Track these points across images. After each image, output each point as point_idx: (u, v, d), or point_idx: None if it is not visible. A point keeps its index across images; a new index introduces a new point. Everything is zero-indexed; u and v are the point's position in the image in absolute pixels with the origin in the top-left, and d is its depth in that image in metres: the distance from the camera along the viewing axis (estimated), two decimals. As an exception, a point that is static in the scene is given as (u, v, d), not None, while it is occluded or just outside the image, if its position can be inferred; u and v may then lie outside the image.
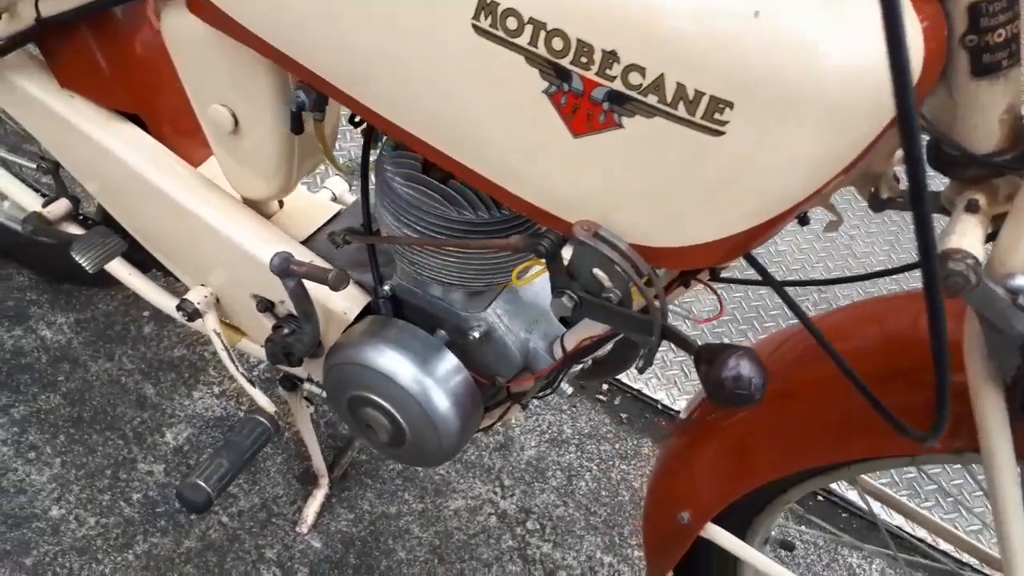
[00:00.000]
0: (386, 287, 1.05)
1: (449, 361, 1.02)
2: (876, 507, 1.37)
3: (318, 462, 1.44)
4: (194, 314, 1.18)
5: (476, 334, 1.02)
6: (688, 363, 1.80)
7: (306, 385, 1.28)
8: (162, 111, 1.15)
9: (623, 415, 1.71)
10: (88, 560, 1.34)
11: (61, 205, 1.25)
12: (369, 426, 1.07)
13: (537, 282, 1.10)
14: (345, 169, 1.10)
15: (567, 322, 1.12)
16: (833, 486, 1.62)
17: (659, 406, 1.73)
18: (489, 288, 1.02)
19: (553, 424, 1.66)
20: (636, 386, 1.74)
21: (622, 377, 1.75)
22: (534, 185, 0.69)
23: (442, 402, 1.01)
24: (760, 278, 0.79)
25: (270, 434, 1.18)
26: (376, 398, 1.03)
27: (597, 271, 0.68)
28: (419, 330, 1.03)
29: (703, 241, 0.67)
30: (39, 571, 1.31)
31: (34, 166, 1.21)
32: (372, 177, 1.04)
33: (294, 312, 1.13)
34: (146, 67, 1.11)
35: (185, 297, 1.18)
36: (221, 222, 1.10)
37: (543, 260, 0.81)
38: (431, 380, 1.00)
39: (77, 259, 1.12)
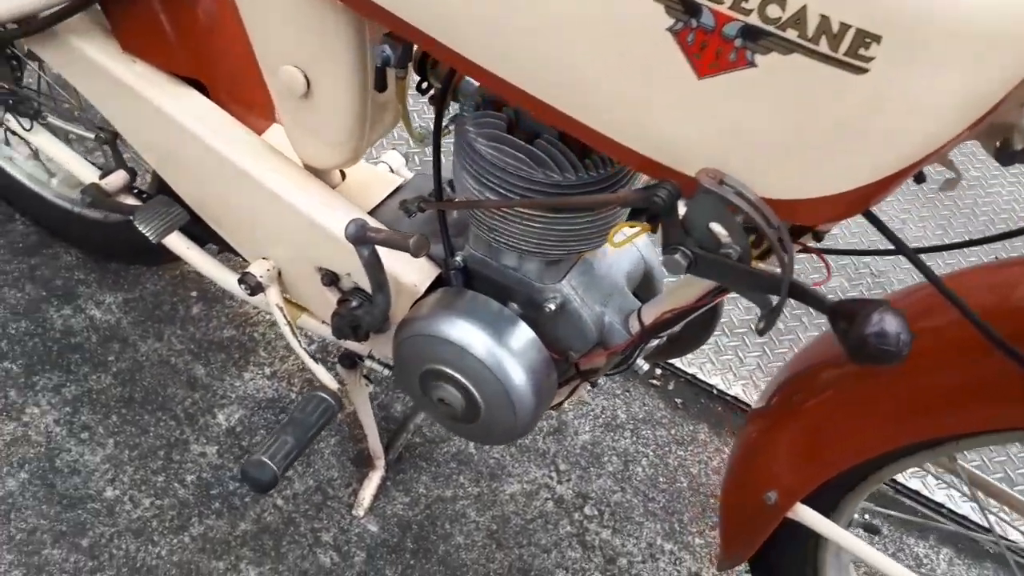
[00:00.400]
0: (458, 258, 1.02)
1: (525, 333, 0.99)
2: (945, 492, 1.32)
3: (374, 444, 1.41)
4: (256, 288, 1.15)
5: (551, 306, 0.98)
6: (743, 348, 1.76)
7: (367, 362, 1.25)
8: (225, 77, 1.12)
9: (678, 400, 1.67)
10: (144, 542, 1.32)
11: (119, 177, 1.22)
12: (442, 401, 1.03)
13: (611, 255, 1.07)
14: (418, 136, 1.06)
15: (642, 297, 1.09)
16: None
17: (714, 391, 1.69)
18: (567, 258, 0.99)
19: (607, 409, 1.63)
20: (690, 371, 1.70)
21: (676, 361, 1.71)
22: (650, 135, 0.65)
23: (518, 375, 0.97)
24: (888, 247, 0.74)
25: (334, 411, 1.15)
26: (450, 371, 0.99)
27: (714, 226, 0.64)
28: (493, 302, 1.00)
29: (829, 193, 0.63)
30: (96, 552, 1.29)
31: (92, 136, 1.19)
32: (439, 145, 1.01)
33: (360, 285, 1.10)
34: (210, 30, 1.09)
35: (247, 270, 1.15)
36: (288, 191, 1.07)
37: (644, 220, 0.78)
38: (508, 352, 0.97)
39: (140, 228, 1.10)
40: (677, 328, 0.99)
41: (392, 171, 1.31)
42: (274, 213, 1.09)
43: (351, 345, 1.25)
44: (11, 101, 1.21)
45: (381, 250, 0.97)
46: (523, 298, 1.00)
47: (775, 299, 0.65)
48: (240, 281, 1.15)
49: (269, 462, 1.07)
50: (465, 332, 0.97)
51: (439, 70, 1.02)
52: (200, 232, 1.27)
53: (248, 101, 1.14)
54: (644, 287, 1.11)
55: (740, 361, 1.74)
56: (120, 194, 1.24)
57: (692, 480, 1.55)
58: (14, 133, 1.35)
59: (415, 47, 0.83)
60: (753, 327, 0.65)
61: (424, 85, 1.09)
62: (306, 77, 0.96)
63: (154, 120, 1.10)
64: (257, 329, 1.63)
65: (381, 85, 0.86)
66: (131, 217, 1.15)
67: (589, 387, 1.15)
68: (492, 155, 0.85)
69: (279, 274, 1.18)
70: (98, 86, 1.13)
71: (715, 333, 1.79)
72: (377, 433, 1.39)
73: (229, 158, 1.07)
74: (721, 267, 0.65)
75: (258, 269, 1.15)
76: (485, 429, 1.04)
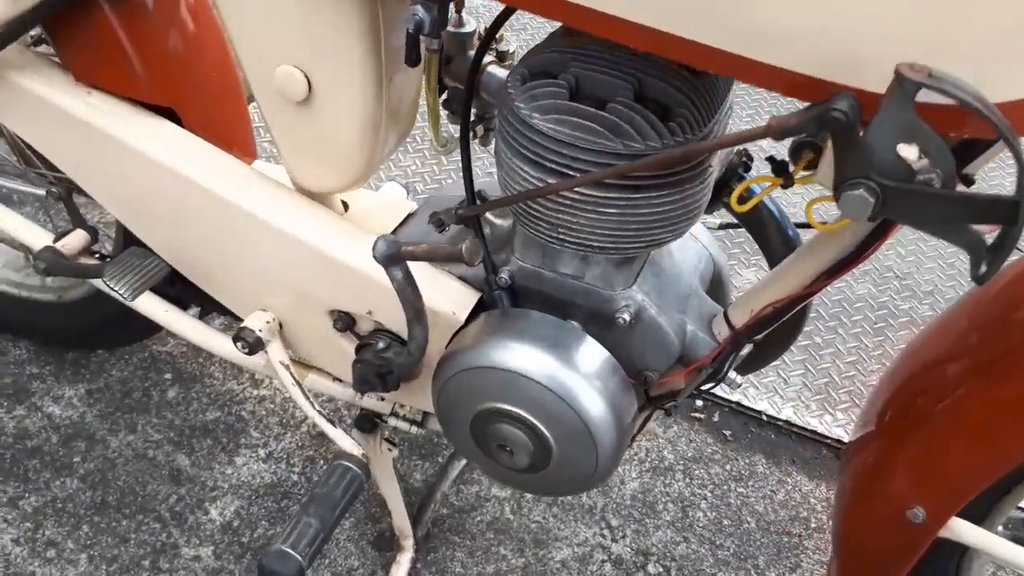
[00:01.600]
0: (503, 274, 0.85)
1: (599, 353, 0.82)
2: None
3: (401, 520, 1.20)
4: (255, 345, 0.96)
5: (625, 317, 0.82)
6: (784, 367, 1.60)
7: (391, 422, 1.06)
8: (200, 102, 0.95)
9: (726, 432, 1.50)
10: (137, 673, 1.08)
11: (77, 237, 1.03)
12: (502, 448, 0.85)
13: (673, 250, 0.91)
14: (440, 142, 0.90)
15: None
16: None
17: (763, 417, 1.52)
18: (639, 255, 0.83)
19: (651, 451, 1.45)
20: (733, 398, 1.54)
21: (718, 390, 1.54)
22: (811, 39, 0.50)
23: (596, 404, 0.80)
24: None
25: (362, 482, 0.96)
26: (512, 408, 0.82)
27: (903, 148, 0.49)
28: (554, 318, 0.83)
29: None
30: None
31: (42, 192, 1.00)
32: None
33: (384, 325, 0.92)
34: (181, 49, 0.93)
35: (244, 325, 0.96)
36: (290, 221, 0.90)
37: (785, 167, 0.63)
38: (581, 377, 0.80)
39: (112, 286, 0.91)
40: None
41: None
42: (274, 250, 0.91)
43: (370, 404, 1.06)
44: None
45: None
46: (587, 312, 0.83)
47: (988, 238, 0.50)
48: (235, 339, 0.96)
49: (292, 552, 0.87)
50: (526, 358, 0.80)
51: (456, 65, 0.87)
52: (178, 294, 1.08)
53: (227, 129, 0.98)
54: (713, 290, 0.96)
55: (784, 382, 1.58)
56: (80, 257, 1.04)
57: (759, 519, 1.37)
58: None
59: (451, 7, 0.68)
60: (968, 277, 0.49)
61: (444, 96, 0.94)
62: (307, 78, 0.80)
63: (119, 158, 0.92)
64: (244, 407, 1.42)
65: (414, 57, 0.70)
66: (99, 277, 0.95)
67: (665, 415, 0.97)
68: (554, 130, 0.69)
69: (280, 327, 0.99)
70: (48, 128, 0.95)
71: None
72: (404, 507, 1.19)
73: (215, 191, 0.90)
74: (924, 200, 0.49)
75: (256, 323, 0.97)
76: (558, 476, 0.86)
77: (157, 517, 1.26)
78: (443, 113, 0.90)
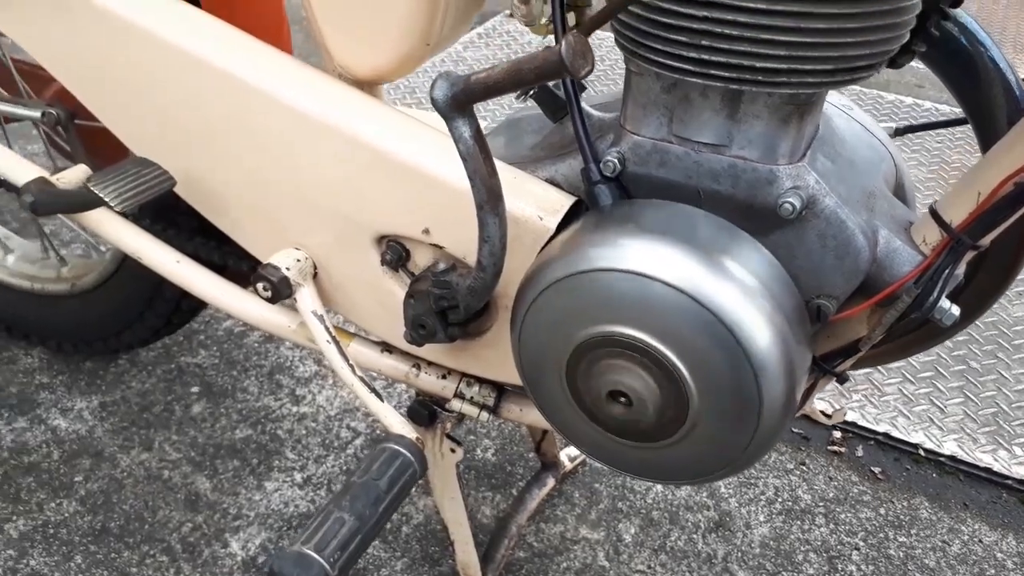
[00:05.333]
0: (609, 158, 0.61)
1: (763, 257, 0.57)
2: None
3: (466, 554, 0.93)
4: (281, 288, 0.73)
5: (793, 203, 0.56)
6: (938, 395, 1.29)
7: (457, 405, 0.81)
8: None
9: (874, 469, 1.19)
10: None
11: (78, 172, 0.83)
12: (617, 398, 0.59)
13: (847, 137, 0.66)
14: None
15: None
16: None
17: (920, 452, 1.21)
18: (813, 111, 0.58)
19: (781, 489, 1.14)
20: (879, 428, 1.23)
21: (859, 419, 1.24)
22: None
23: (762, 331, 0.54)
24: None
25: (415, 471, 0.70)
26: (633, 332, 0.56)
27: None
28: (690, 207, 0.58)
29: None
30: None
31: (39, 114, 0.82)
32: None
33: (444, 245, 0.69)
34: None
35: (268, 262, 0.74)
36: (334, 112, 0.68)
37: None
38: (737, 287, 0.54)
39: (99, 193, 0.70)
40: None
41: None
42: (311, 150, 0.70)
43: (428, 383, 0.81)
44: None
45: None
46: (735, 201, 0.58)
47: None
48: (255, 280, 0.74)
49: (316, 556, 0.61)
50: (654, 254, 0.55)
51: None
52: (195, 249, 0.87)
53: (254, 13, 0.78)
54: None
55: (941, 411, 1.27)
56: (78, 196, 0.84)
57: (932, 576, 1.04)
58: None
59: None
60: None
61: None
62: None
63: (124, 45, 0.73)
64: (281, 425, 1.18)
65: None
66: (96, 206, 0.75)
67: (839, 383, 0.70)
68: None
69: (314, 271, 0.77)
70: (44, 20, 0.78)
71: (894, 379, 1.34)
72: (470, 533, 0.92)
73: (240, 78, 0.70)
74: None
75: (284, 259, 0.74)
76: (694, 446, 0.59)
77: (166, 549, 1.01)
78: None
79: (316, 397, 1.23)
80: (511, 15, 0.72)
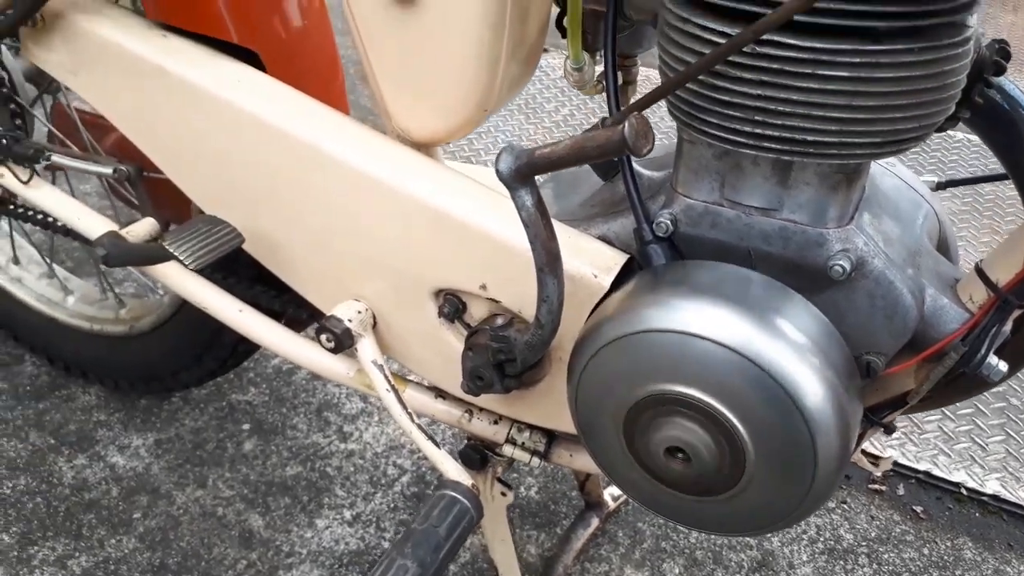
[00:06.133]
0: (661, 219, 0.64)
1: (815, 317, 0.59)
2: None
3: (516, 594, 0.95)
4: (343, 339, 0.77)
5: (843, 265, 0.58)
6: (979, 433, 1.29)
7: (506, 451, 0.83)
8: (287, 44, 0.81)
9: (916, 508, 1.19)
10: None
11: (145, 226, 0.88)
12: (674, 453, 0.61)
13: (890, 194, 0.68)
14: (578, 60, 0.72)
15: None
16: None
17: (963, 491, 1.21)
18: (860, 177, 0.60)
19: (823, 529, 1.15)
20: (920, 467, 1.24)
21: (900, 457, 1.25)
22: None
23: (815, 388, 0.56)
24: None
25: (472, 519, 0.73)
26: (692, 392, 0.58)
27: None
28: (743, 269, 0.61)
29: None
30: None
31: (111, 170, 0.86)
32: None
33: (500, 300, 0.71)
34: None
35: (331, 314, 0.77)
36: (394, 173, 0.72)
37: None
38: (791, 347, 0.56)
39: (173, 251, 0.74)
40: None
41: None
42: (372, 209, 0.73)
43: (480, 428, 0.84)
44: (4, 142, 0.90)
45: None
46: (784, 262, 0.61)
47: None
48: (319, 332, 0.77)
49: (381, 602, 0.64)
50: (711, 316, 0.57)
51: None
52: (255, 297, 0.91)
53: (317, 78, 0.82)
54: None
55: (982, 449, 1.27)
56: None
57: (978, 618, 1.04)
58: (13, 204, 1.04)
59: None
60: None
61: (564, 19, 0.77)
62: (414, -32, 0.64)
63: (195, 107, 0.77)
64: (330, 462, 1.21)
65: None
66: (167, 260, 0.79)
67: (885, 434, 0.71)
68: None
69: (374, 321, 0.80)
70: (114, 82, 0.82)
71: (934, 415, 1.34)
72: (520, 574, 0.94)
73: (306, 141, 0.74)
74: None
75: (346, 311, 0.78)
76: (752, 499, 0.61)
77: (221, 585, 1.04)
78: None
79: (363, 434, 1.26)
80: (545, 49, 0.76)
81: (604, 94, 0.68)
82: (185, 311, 1.08)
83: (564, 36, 0.77)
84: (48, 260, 1.29)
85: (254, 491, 1.17)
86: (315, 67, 0.83)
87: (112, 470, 1.19)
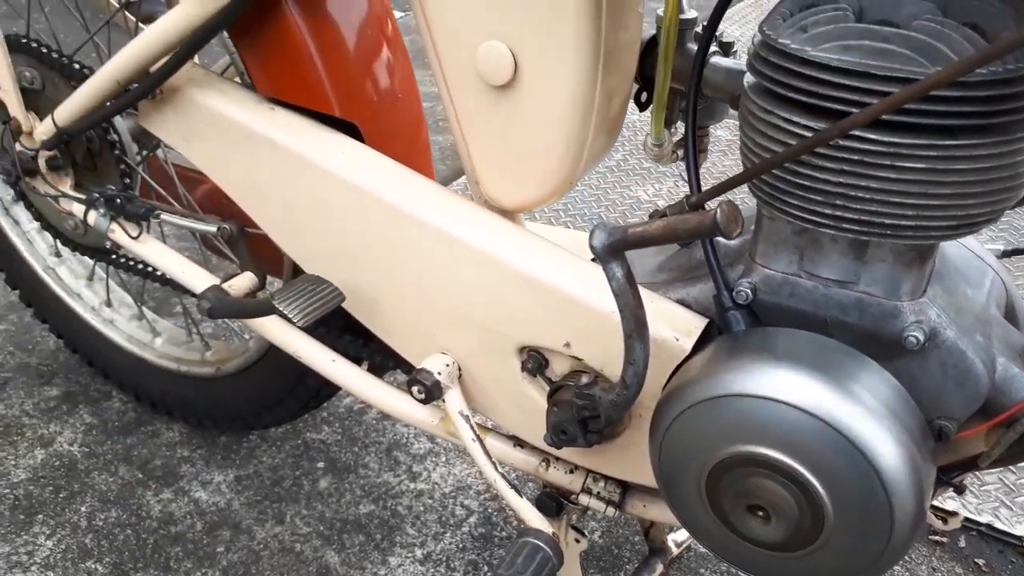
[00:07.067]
0: (741, 288, 0.68)
1: (889, 383, 0.62)
2: None
3: (586, 637, 0.98)
4: (433, 391, 0.82)
5: (917, 336, 0.62)
6: (1041, 486, 1.30)
7: (582, 500, 0.87)
8: (384, 117, 0.87)
9: (978, 561, 1.20)
10: None
11: (245, 280, 0.95)
12: (756, 513, 0.65)
13: (959, 264, 0.72)
14: (659, 137, 0.77)
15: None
16: None
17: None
18: (934, 250, 0.64)
19: (884, 578, 1.16)
20: (982, 519, 1.25)
21: (960, 509, 1.26)
22: None
23: (891, 450, 0.60)
24: None
25: (554, 566, 0.77)
26: (772, 454, 0.62)
27: None
28: (820, 336, 0.65)
29: None
30: None
31: (215, 229, 0.93)
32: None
33: (583, 358, 0.76)
34: (366, 58, 0.86)
35: (422, 367, 0.83)
36: (484, 239, 0.77)
37: None
38: (868, 412, 0.60)
39: (281, 308, 0.80)
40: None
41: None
42: (461, 272, 0.79)
43: (556, 478, 0.88)
44: (119, 201, 0.98)
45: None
46: (860, 332, 0.65)
47: None
48: (411, 383, 0.82)
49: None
50: (792, 382, 0.61)
51: (676, 58, 0.75)
52: (344, 347, 0.96)
53: (409, 149, 0.89)
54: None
55: (1045, 502, 1.28)
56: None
57: (1045, 674, 1.05)
58: (116, 254, 1.12)
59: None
60: None
61: (644, 96, 0.83)
62: (513, 55, 0.70)
63: (300, 176, 0.84)
64: (401, 501, 1.26)
65: None
66: (269, 313, 0.85)
67: (957, 493, 0.74)
68: (840, 60, 0.54)
69: (459, 373, 0.85)
70: (223, 152, 0.89)
71: (997, 468, 1.35)
72: (591, 619, 0.98)
73: (402, 208, 0.80)
74: None
75: (435, 364, 0.83)
76: (831, 557, 0.64)
77: (301, 619, 1.09)
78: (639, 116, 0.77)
79: (431, 474, 1.31)
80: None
81: (677, 160, 0.73)
82: (272, 355, 1.14)
83: (641, 110, 0.83)
84: (139, 304, 1.38)
85: (330, 528, 1.22)
86: (403, 127, 0.90)
87: (196, 504, 1.25)
